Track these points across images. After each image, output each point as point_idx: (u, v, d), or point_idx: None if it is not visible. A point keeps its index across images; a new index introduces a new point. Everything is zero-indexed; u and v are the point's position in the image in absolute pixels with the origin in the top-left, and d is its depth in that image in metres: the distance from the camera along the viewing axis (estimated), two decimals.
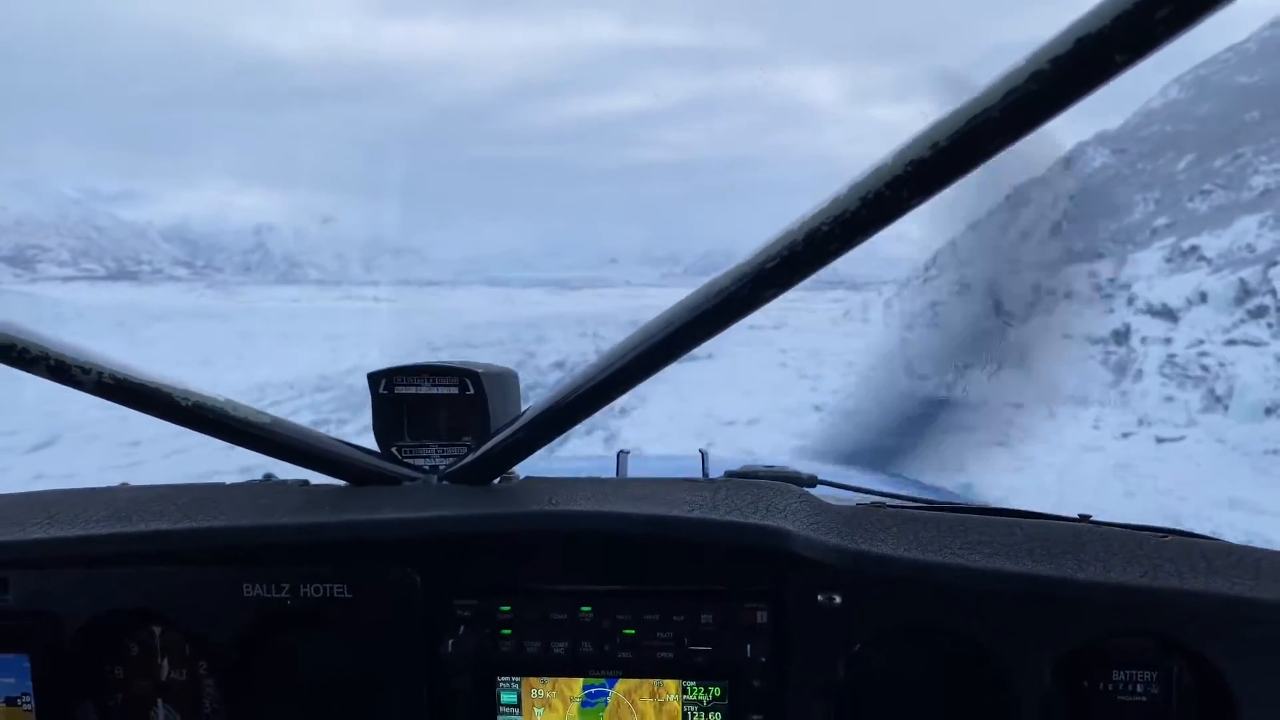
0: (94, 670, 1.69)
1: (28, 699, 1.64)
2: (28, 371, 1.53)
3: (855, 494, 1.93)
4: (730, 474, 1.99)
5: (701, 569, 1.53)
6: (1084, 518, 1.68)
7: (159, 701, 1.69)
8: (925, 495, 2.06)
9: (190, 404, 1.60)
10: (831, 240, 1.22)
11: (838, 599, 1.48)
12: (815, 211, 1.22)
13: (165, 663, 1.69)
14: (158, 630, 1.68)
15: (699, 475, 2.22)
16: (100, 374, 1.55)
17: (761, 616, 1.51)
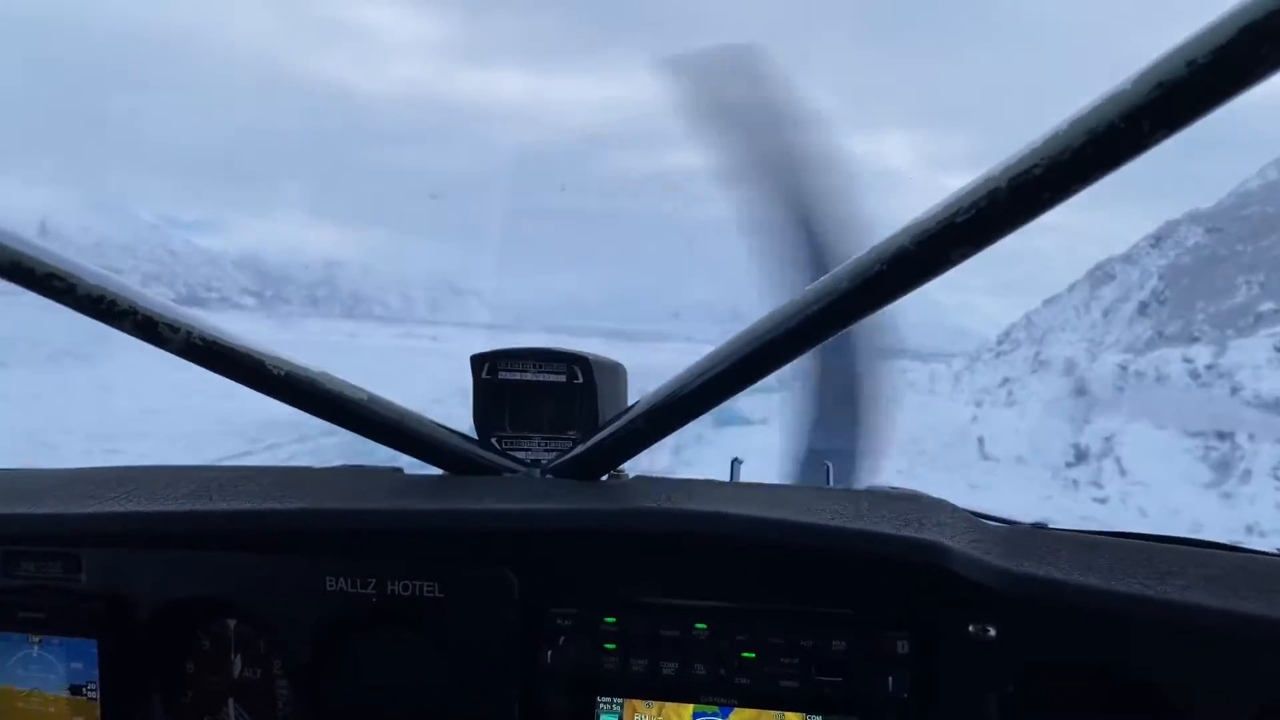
0: (164, 662, 1.59)
1: (93, 688, 1.53)
2: (114, 326, 1.43)
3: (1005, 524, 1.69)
4: (867, 489, 1.77)
5: (835, 587, 1.37)
6: None
7: (230, 701, 1.59)
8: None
9: (282, 373, 1.50)
10: (1043, 187, 1.04)
11: (992, 631, 1.30)
12: (1025, 153, 1.05)
13: (238, 659, 1.58)
14: (232, 623, 1.58)
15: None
16: (189, 334, 1.45)
17: (903, 647, 1.33)
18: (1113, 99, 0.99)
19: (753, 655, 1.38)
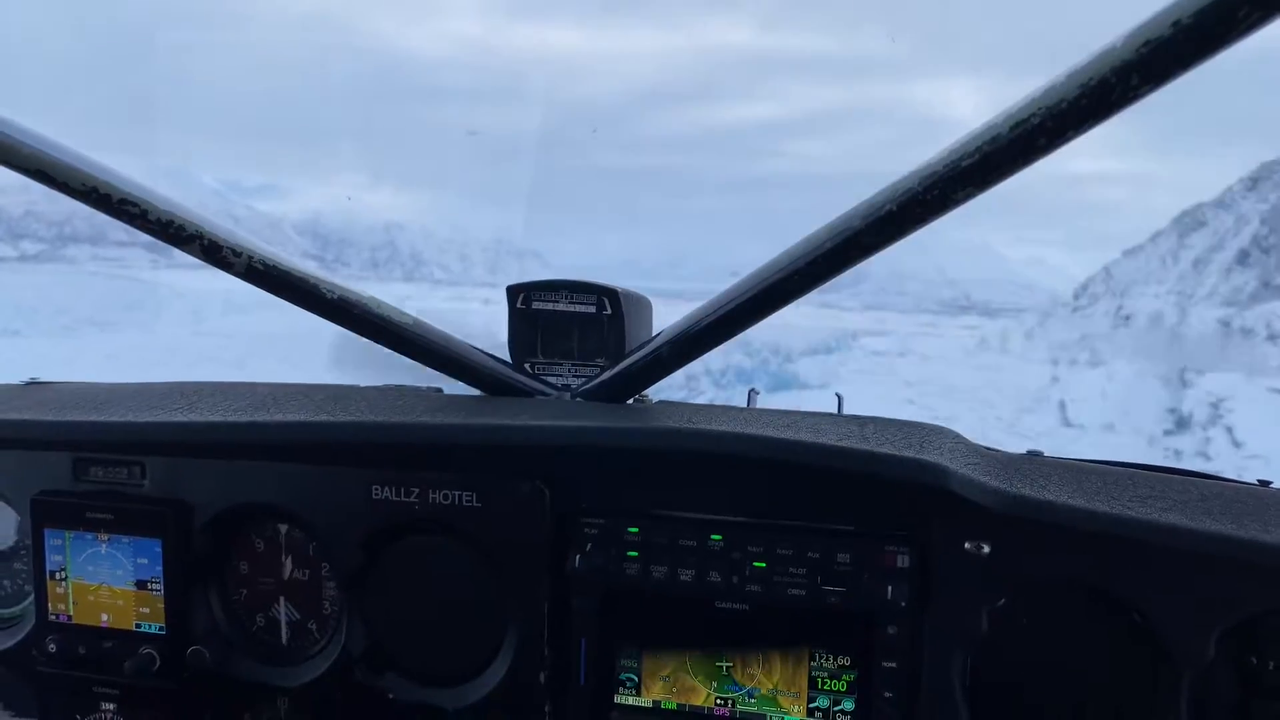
0: (220, 563, 1.71)
1: (157, 583, 1.66)
2: (181, 249, 1.53)
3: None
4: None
5: (842, 504, 1.47)
6: (1264, 483, 1.58)
7: (281, 599, 1.70)
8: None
9: (335, 297, 1.61)
10: (1040, 134, 1.14)
11: (986, 548, 1.39)
12: (1024, 102, 1.14)
13: (289, 561, 1.69)
14: (284, 528, 1.69)
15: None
16: (251, 258, 1.56)
17: (903, 560, 1.42)
18: (1103, 56, 1.07)
19: (763, 565, 1.47)
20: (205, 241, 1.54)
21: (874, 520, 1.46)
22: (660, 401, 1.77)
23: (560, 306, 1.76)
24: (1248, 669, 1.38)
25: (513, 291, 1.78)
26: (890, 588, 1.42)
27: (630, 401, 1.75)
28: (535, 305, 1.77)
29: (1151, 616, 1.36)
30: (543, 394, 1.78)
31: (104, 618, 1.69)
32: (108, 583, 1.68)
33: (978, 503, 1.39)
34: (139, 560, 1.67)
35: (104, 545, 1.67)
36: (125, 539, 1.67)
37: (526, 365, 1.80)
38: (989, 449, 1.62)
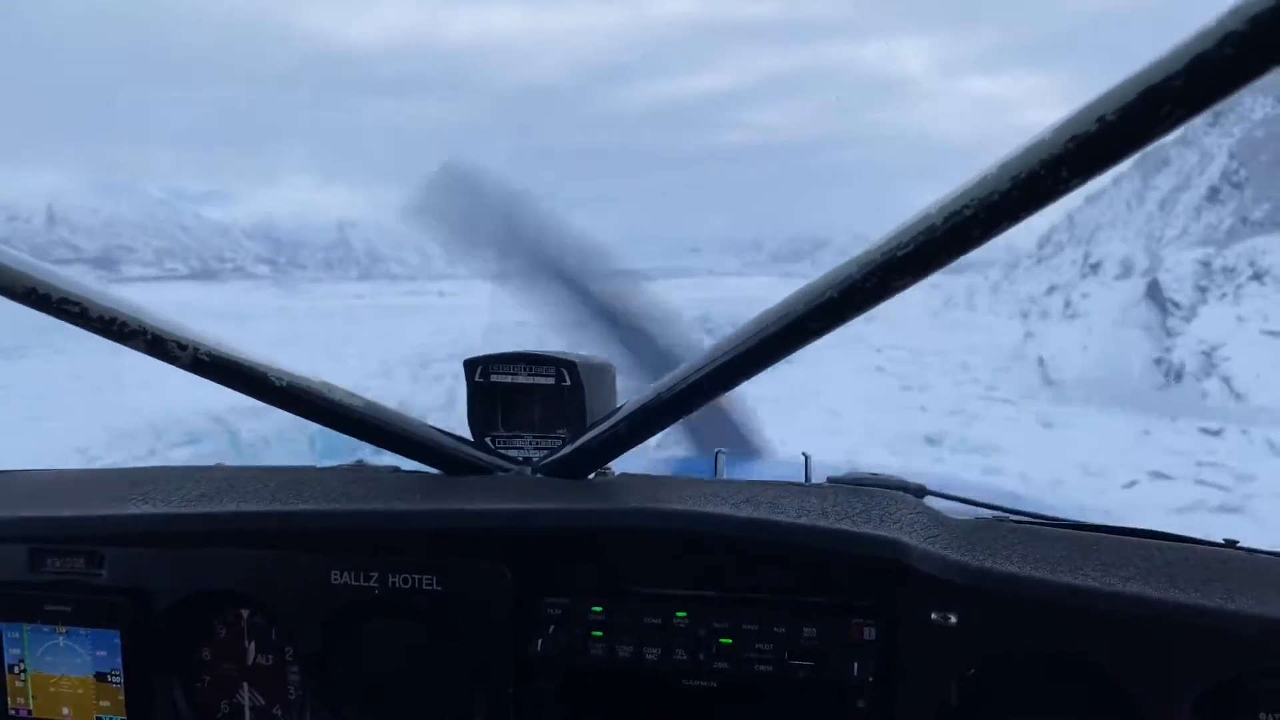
0: (182, 650, 1.69)
1: (117, 675, 1.64)
2: (125, 345, 1.53)
3: (969, 506, 1.79)
4: (833, 480, 1.84)
5: (806, 579, 1.47)
6: (1230, 543, 1.57)
7: (245, 685, 1.69)
8: (1045, 511, 1.80)
9: (284, 384, 1.59)
10: (974, 226, 1.16)
11: (953, 619, 1.39)
12: (957, 194, 1.16)
13: (252, 646, 1.68)
14: (245, 613, 1.67)
15: (801, 479, 2.03)
16: (197, 350, 1.54)
17: (869, 633, 1.42)
18: (1033, 148, 1.09)
19: (730, 641, 1.46)
20: (149, 336, 1.52)
21: (839, 593, 1.46)
22: (622, 474, 1.76)
23: (519, 379, 1.74)
24: None
25: (470, 365, 1.76)
26: (856, 663, 1.41)
27: (592, 475, 1.73)
28: (494, 378, 1.75)
29: (1124, 684, 1.36)
30: (503, 470, 1.77)
31: (65, 711, 1.67)
32: (68, 674, 1.66)
33: (938, 576, 1.40)
34: (97, 652, 1.65)
35: (62, 638, 1.66)
36: (84, 631, 1.65)
37: (487, 439, 1.79)
38: (952, 517, 1.61)
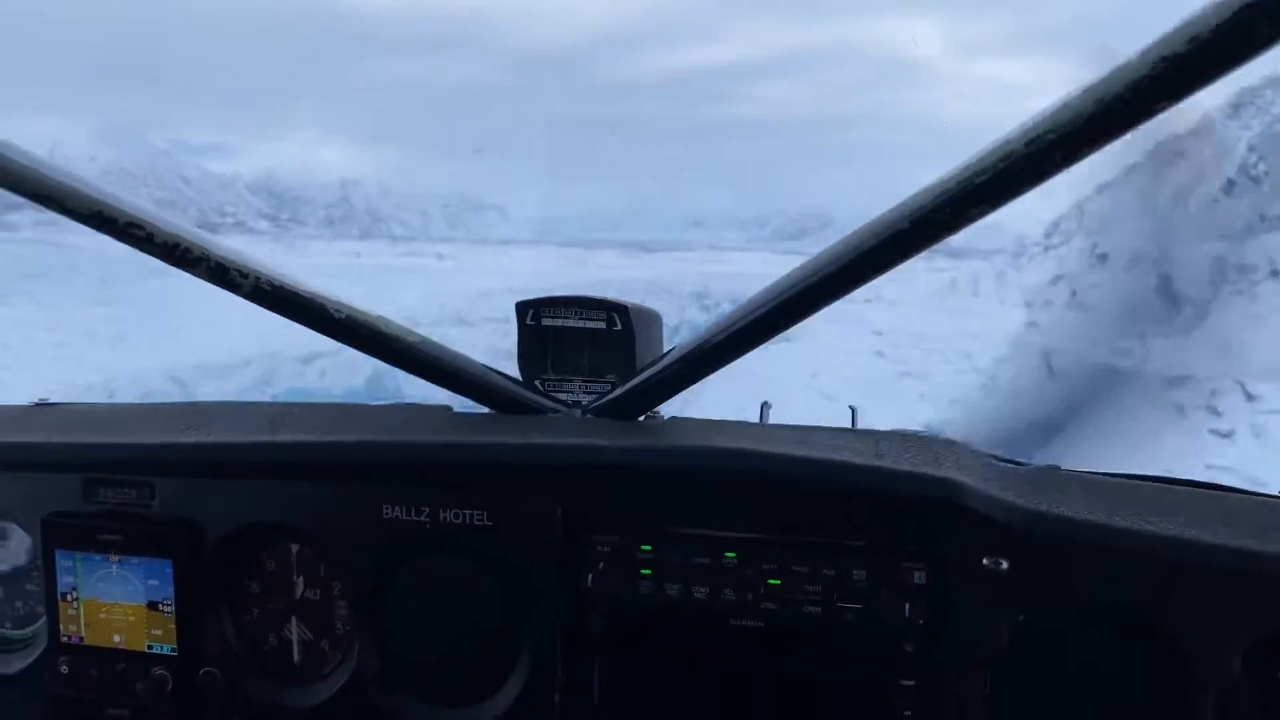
0: (232, 583, 1.70)
1: (169, 604, 1.65)
2: (188, 271, 1.52)
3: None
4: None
5: (857, 521, 1.46)
6: None
7: (293, 619, 1.70)
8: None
9: (343, 316, 1.59)
10: (1056, 150, 1.12)
11: (1005, 564, 1.38)
12: (1039, 118, 1.13)
13: (300, 581, 1.69)
14: (295, 548, 1.68)
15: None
16: (258, 279, 1.54)
17: (919, 577, 1.42)
18: (1120, 71, 1.06)
19: (778, 582, 1.46)
20: (212, 263, 1.52)
21: (890, 536, 1.45)
22: (672, 418, 1.75)
23: (570, 323, 1.75)
24: (1274, 686, 1.36)
25: (522, 307, 1.76)
26: (908, 605, 1.42)
27: (641, 419, 1.72)
28: (545, 321, 1.76)
29: (1175, 633, 1.35)
30: (553, 411, 1.76)
31: (116, 639, 1.69)
32: (120, 601, 1.67)
33: (994, 518, 1.38)
34: (150, 581, 1.66)
35: (115, 566, 1.67)
36: (136, 560, 1.66)
37: (536, 382, 1.78)
38: (1005, 461, 1.60)
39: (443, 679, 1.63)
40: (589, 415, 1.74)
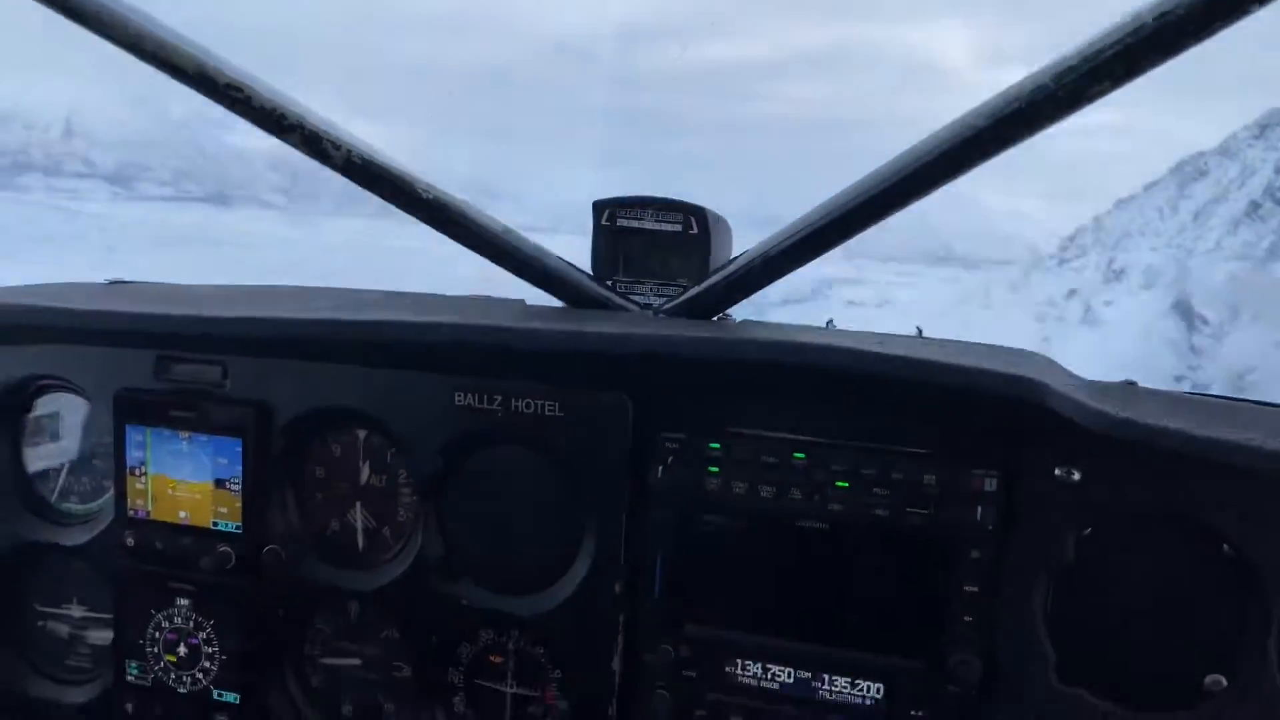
0: (298, 466, 1.72)
1: (236, 483, 1.67)
2: (281, 138, 1.52)
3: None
4: None
5: (929, 425, 1.45)
6: None
7: (357, 504, 1.72)
8: None
9: (430, 197, 1.60)
10: (1189, 22, 1.10)
11: (1076, 475, 1.38)
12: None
13: (366, 467, 1.70)
14: (362, 434, 1.69)
15: None
16: (350, 152, 1.54)
17: (990, 484, 1.41)
18: None
19: (846, 485, 1.47)
20: (306, 132, 1.52)
21: (961, 443, 1.44)
22: (745, 320, 1.75)
23: (646, 224, 1.75)
24: None
25: (599, 207, 1.76)
26: (980, 508, 1.41)
27: (714, 319, 1.72)
28: (620, 222, 1.75)
29: (1244, 548, 1.34)
30: (625, 310, 1.76)
31: (182, 515, 1.70)
32: (187, 479, 1.69)
33: (1076, 422, 1.36)
34: (219, 459, 1.68)
35: (185, 443, 1.69)
36: (205, 437, 1.68)
37: (609, 282, 1.78)
38: (1082, 377, 1.58)
39: (505, 568, 1.64)
40: (661, 315, 1.73)
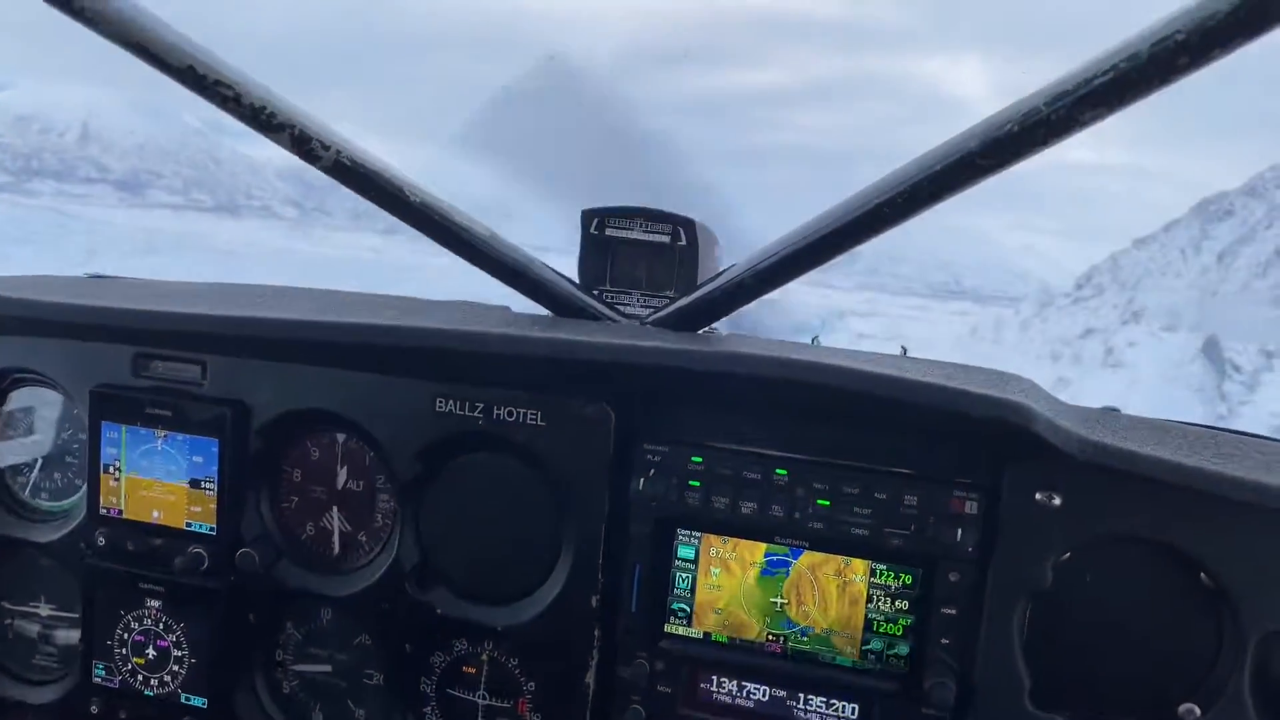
0: (275, 468, 1.70)
1: (211, 483, 1.65)
2: (270, 136, 1.49)
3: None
4: None
5: (912, 446, 1.45)
6: None
7: (333, 509, 1.70)
8: None
9: (418, 201, 1.58)
10: (1183, 53, 1.08)
11: (1057, 500, 1.38)
12: (1167, 19, 1.08)
13: (344, 471, 1.69)
14: (341, 438, 1.68)
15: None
16: (339, 153, 1.51)
17: (971, 506, 1.42)
18: None
19: (827, 503, 1.46)
20: (296, 131, 1.49)
21: (943, 464, 1.44)
22: (731, 334, 1.73)
23: (635, 234, 1.74)
24: None
25: (587, 216, 1.75)
26: (960, 530, 1.41)
27: (700, 332, 1.70)
28: (609, 232, 1.74)
29: (1221, 577, 1.34)
30: (611, 320, 1.74)
31: (155, 514, 1.68)
32: (161, 479, 1.67)
33: (1059, 448, 1.35)
34: (194, 459, 1.66)
35: (160, 442, 1.66)
36: (182, 437, 1.66)
37: (595, 292, 1.77)
38: (1065, 402, 1.57)
39: (481, 577, 1.62)
40: (648, 326, 1.71)
